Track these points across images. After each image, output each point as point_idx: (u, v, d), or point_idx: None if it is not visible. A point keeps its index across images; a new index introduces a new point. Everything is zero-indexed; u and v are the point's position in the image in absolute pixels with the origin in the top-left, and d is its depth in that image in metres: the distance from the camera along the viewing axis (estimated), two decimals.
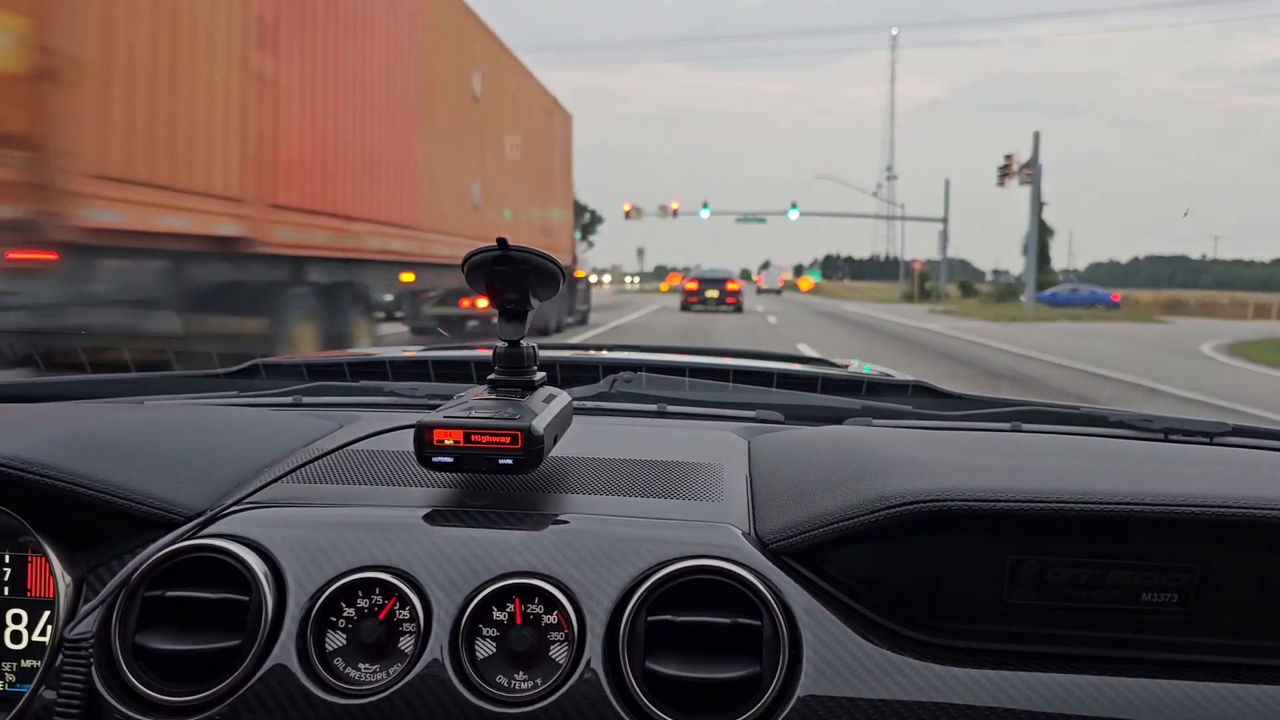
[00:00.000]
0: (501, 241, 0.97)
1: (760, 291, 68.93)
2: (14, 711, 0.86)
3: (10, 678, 0.92)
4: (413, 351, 1.95)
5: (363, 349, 2.26)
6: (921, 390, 1.64)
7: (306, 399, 1.45)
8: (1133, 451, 1.12)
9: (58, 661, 0.87)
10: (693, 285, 32.26)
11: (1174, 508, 0.85)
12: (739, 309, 31.12)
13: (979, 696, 0.84)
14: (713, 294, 31.40)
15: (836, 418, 1.40)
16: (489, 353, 1.06)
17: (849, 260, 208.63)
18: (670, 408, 1.45)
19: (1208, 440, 1.30)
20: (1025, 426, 1.37)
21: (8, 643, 0.93)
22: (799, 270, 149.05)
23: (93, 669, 0.85)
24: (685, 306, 31.13)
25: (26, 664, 0.92)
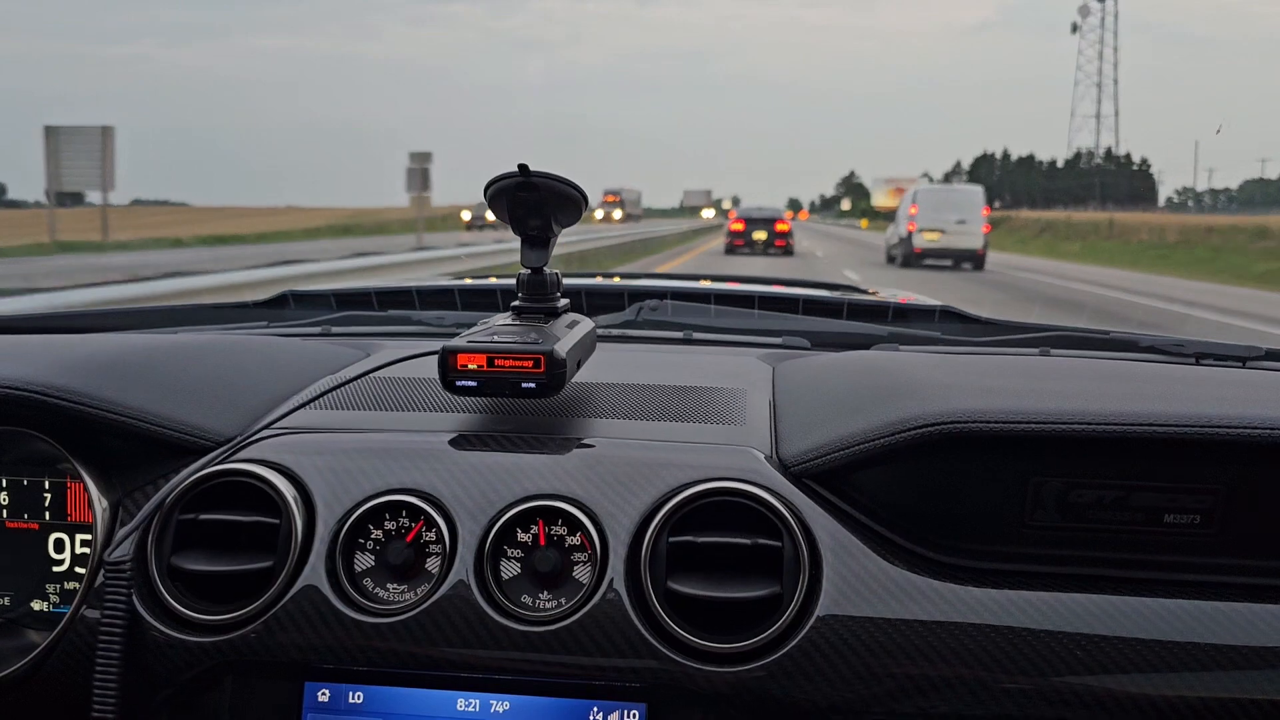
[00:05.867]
0: (523, 167, 0.96)
1: (920, 256, 21.71)
2: (58, 629, 0.90)
3: (54, 599, 0.95)
4: (441, 281, 1.96)
5: (391, 280, 2.27)
6: (949, 315, 1.62)
7: (335, 329, 1.47)
8: (1161, 374, 1.11)
9: (98, 582, 0.90)
10: (738, 226, 28.61)
11: (1198, 429, 0.84)
12: (789, 251, 27.79)
13: (998, 616, 0.85)
14: (760, 235, 27.85)
15: (863, 344, 1.39)
16: (514, 281, 1.06)
17: (1023, 163, 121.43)
18: (696, 335, 1.45)
19: (1240, 364, 1.28)
20: (1054, 351, 1.36)
21: (50, 566, 0.96)
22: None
23: (132, 590, 0.88)
24: (730, 249, 27.86)
25: (68, 586, 0.95)
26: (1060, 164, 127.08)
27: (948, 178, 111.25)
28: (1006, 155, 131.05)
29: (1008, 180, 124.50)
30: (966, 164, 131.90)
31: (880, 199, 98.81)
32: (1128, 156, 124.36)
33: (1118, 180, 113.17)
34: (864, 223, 76.69)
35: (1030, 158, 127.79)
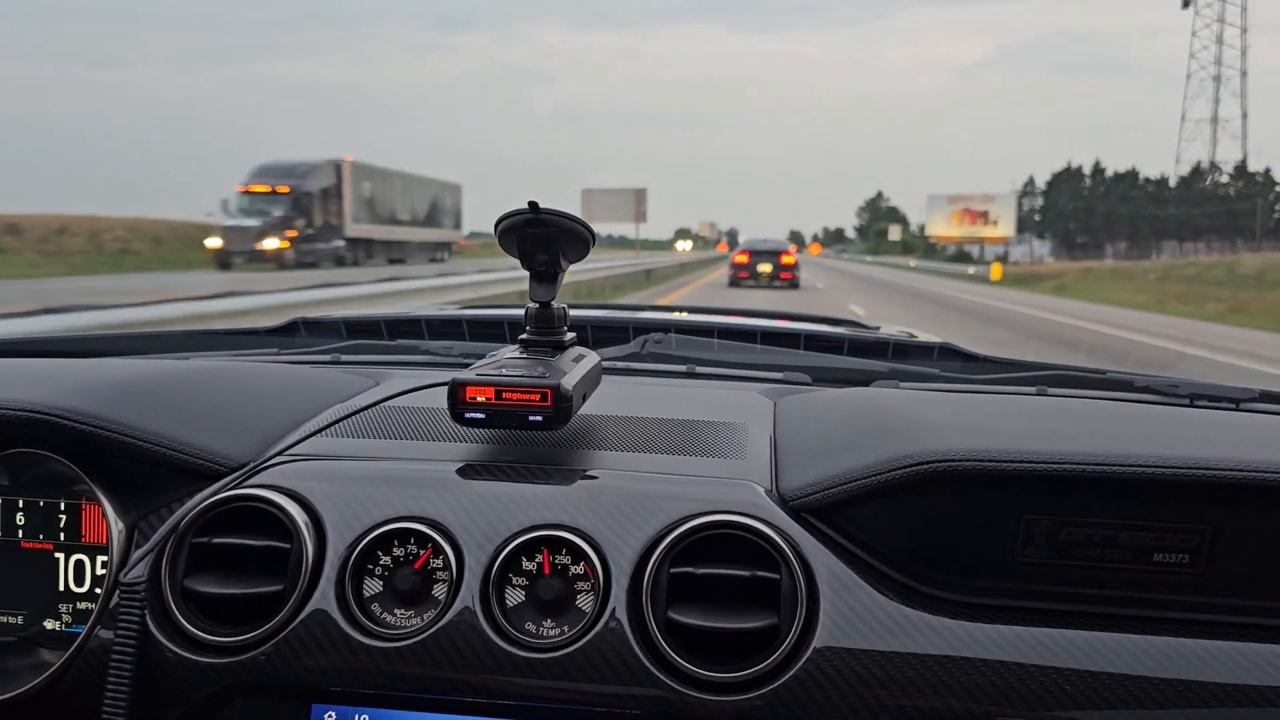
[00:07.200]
0: (533, 205, 0.99)
1: None
2: (73, 647, 0.92)
3: (67, 618, 0.97)
4: (449, 311, 1.99)
5: (401, 309, 2.31)
6: (948, 353, 1.65)
7: (345, 357, 1.50)
8: (1154, 416, 1.13)
9: (112, 603, 0.92)
10: (743, 258, 28.17)
11: (1184, 470, 0.86)
12: (795, 284, 27.43)
13: (990, 650, 0.87)
14: (765, 268, 27.40)
15: (863, 380, 1.42)
16: (521, 313, 1.09)
17: (1122, 180, 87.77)
18: (699, 369, 1.47)
19: (1234, 406, 1.30)
20: (1051, 390, 1.38)
21: (64, 586, 0.98)
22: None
23: (145, 611, 0.90)
24: (734, 282, 27.48)
25: (82, 606, 0.97)
26: (1173, 182, 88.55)
27: (1020, 200, 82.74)
28: (1099, 169, 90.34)
29: (1102, 203, 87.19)
30: (1041, 181, 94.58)
31: (939, 226, 74.87)
32: (1267, 172, 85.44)
33: (1257, 204, 77.87)
34: (996, 271, 41.03)
35: (1133, 173, 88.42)
